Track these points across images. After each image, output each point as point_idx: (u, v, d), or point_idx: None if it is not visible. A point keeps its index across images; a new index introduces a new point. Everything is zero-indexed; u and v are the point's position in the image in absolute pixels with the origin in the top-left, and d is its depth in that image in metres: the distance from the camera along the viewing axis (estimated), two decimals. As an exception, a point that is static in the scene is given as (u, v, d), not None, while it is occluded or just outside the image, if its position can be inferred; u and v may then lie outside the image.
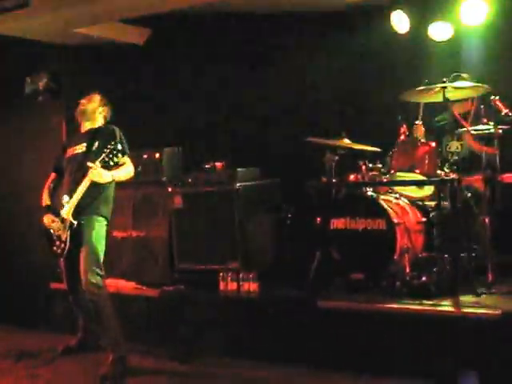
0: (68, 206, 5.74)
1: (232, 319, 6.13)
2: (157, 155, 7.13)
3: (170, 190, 6.98)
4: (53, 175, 6.18)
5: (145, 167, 7.01)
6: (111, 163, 5.68)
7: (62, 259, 5.94)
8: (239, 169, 6.85)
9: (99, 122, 6.13)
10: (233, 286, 6.40)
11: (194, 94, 7.75)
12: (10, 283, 7.53)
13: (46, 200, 6.07)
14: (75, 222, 5.72)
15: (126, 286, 6.84)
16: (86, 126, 6.11)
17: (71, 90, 7.51)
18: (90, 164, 5.66)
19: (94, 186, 5.74)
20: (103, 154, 5.65)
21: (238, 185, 6.70)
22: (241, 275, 6.37)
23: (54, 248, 5.84)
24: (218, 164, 7.02)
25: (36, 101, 7.63)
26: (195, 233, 6.82)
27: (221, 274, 6.47)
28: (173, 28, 7.58)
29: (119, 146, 5.68)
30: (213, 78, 7.66)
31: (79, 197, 5.71)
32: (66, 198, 5.79)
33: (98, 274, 5.73)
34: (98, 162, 5.64)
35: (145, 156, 7.03)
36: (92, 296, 5.71)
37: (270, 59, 7.32)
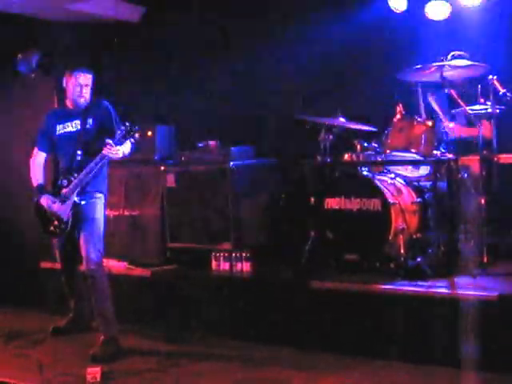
0: (72, 185, 5.65)
1: (224, 299, 6.08)
2: (149, 133, 7.05)
3: (162, 168, 6.91)
4: (38, 152, 5.99)
5: (137, 145, 6.89)
6: (126, 141, 5.64)
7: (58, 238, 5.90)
8: (233, 148, 6.78)
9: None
10: (225, 265, 6.35)
11: (189, 72, 7.66)
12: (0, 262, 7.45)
13: (38, 179, 5.92)
14: (81, 202, 5.65)
15: (118, 265, 6.78)
16: (77, 103, 5.91)
17: (63, 67, 7.40)
18: (108, 141, 5.54)
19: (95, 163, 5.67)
20: (123, 132, 5.54)
21: (231, 164, 6.63)
22: (233, 255, 6.33)
23: (52, 228, 5.78)
24: (212, 143, 6.94)
25: (28, 78, 7.52)
26: (188, 212, 6.77)
27: (213, 253, 6.41)
28: (168, 5, 7.47)
29: (135, 128, 5.60)
30: (208, 55, 7.56)
31: (88, 176, 5.63)
32: (66, 177, 5.68)
33: (99, 251, 5.71)
34: (116, 140, 5.55)
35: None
36: (91, 273, 5.66)
37: (262, 35, 7.19)
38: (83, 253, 5.66)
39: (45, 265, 7.00)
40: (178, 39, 7.65)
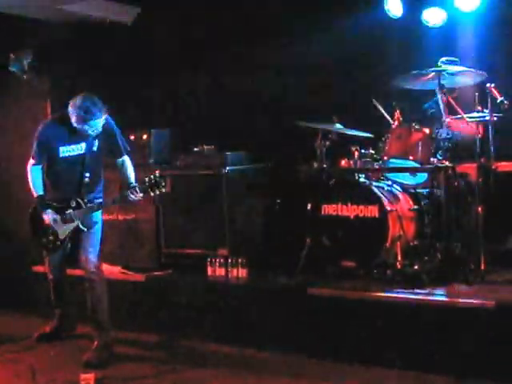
0: (81, 210, 5.58)
1: (220, 305, 6.03)
2: (144, 137, 7.02)
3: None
4: (35, 164, 5.69)
5: (132, 149, 6.86)
6: (151, 193, 5.49)
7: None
8: (228, 153, 6.75)
9: None
10: (221, 271, 6.32)
11: (183, 76, 7.62)
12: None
13: (38, 190, 5.69)
14: (84, 229, 5.61)
15: (112, 270, 6.72)
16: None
17: (57, 67, 7.37)
18: (136, 188, 5.48)
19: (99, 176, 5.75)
20: (149, 185, 5.44)
21: (227, 169, 6.60)
22: (229, 261, 6.29)
23: (45, 240, 5.70)
24: (208, 147, 6.91)
25: (20, 78, 7.45)
26: (183, 217, 6.74)
27: (209, 259, 6.38)
28: (162, 7, 7.43)
29: (162, 180, 5.46)
30: (202, 59, 7.53)
31: (100, 208, 5.68)
32: (75, 199, 5.60)
33: (99, 255, 5.69)
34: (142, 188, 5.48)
35: (132, 137, 6.88)
36: (91, 276, 5.64)
37: (261, 41, 7.17)
38: (84, 255, 5.63)
39: (37, 269, 6.93)
40: (171, 41, 7.61)
